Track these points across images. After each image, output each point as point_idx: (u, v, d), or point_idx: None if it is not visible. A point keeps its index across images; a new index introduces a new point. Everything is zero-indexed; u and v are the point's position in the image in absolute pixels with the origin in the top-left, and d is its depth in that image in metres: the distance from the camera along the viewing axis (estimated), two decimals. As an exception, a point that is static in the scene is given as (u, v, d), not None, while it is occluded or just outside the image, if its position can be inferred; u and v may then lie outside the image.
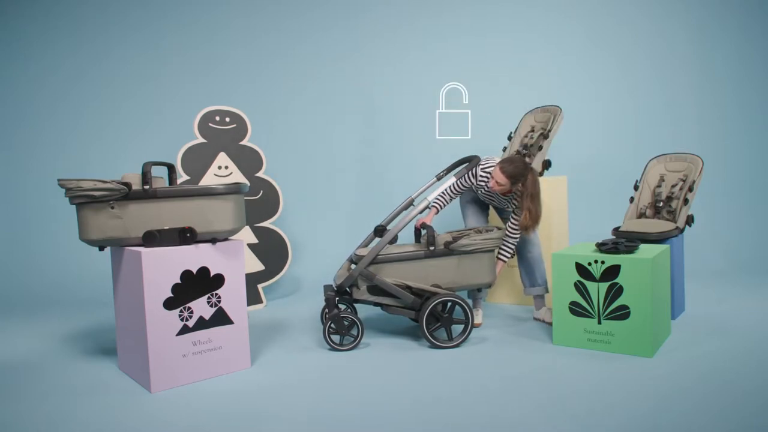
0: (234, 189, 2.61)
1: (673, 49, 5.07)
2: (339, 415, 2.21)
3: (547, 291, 3.51)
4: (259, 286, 4.14)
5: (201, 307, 2.62)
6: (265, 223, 4.17)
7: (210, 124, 4.03)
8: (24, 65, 5.07)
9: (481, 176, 3.33)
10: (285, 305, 4.17)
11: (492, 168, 3.28)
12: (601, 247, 2.89)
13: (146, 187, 2.57)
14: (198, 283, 2.61)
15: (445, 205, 3.38)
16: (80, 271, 4.87)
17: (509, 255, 3.38)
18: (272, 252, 4.17)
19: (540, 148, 3.94)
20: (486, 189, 3.39)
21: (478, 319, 3.45)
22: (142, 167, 2.60)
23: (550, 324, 3.42)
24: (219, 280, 2.66)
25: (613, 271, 2.80)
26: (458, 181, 3.35)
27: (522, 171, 3.15)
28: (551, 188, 3.86)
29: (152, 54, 5.16)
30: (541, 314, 3.50)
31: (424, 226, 3.19)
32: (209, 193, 2.58)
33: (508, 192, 3.28)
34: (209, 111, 4.04)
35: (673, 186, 3.66)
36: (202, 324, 2.63)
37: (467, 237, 3.10)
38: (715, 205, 5.03)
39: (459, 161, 3.44)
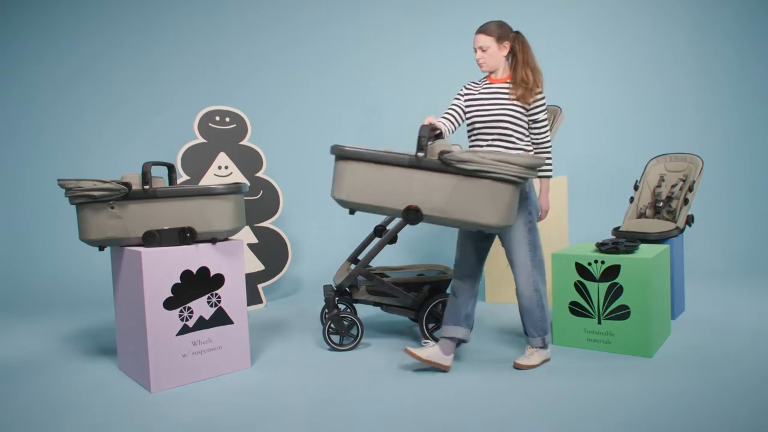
0: (234, 189, 2.61)
1: (673, 49, 5.07)
2: (339, 415, 2.21)
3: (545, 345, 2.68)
4: (259, 286, 4.14)
5: (201, 307, 2.62)
6: (265, 223, 4.17)
7: (210, 124, 4.03)
8: (24, 65, 5.07)
9: (469, 83, 2.73)
10: (285, 305, 4.17)
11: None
12: (601, 247, 2.89)
13: (146, 187, 2.57)
14: (198, 283, 2.61)
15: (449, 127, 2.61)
16: (80, 271, 4.87)
17: (550, 169, 2.66)
18: (272, 252, 4.17)
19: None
20: (481, 92, 2.64)
21: (445, 362, 2.61)
22: (142, 167, 2.60)
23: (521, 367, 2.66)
24: (219, 280, 2.66)
25: (613, 271, 2.80)
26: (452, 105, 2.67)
27: (501, 25, 2.60)
28: (551, 188, 3.85)
29: (153, 54, 5.16)
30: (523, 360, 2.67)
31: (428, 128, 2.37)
32: (209, 193, 2.58)
33: (500, 67, 2.63)
34: (209, 111, 4.04)
35: (673, 186, 3.66)
36: (202, 324, 2.63)
37: (476, 153, 2.25)
38: (715, 205, 5.03)
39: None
